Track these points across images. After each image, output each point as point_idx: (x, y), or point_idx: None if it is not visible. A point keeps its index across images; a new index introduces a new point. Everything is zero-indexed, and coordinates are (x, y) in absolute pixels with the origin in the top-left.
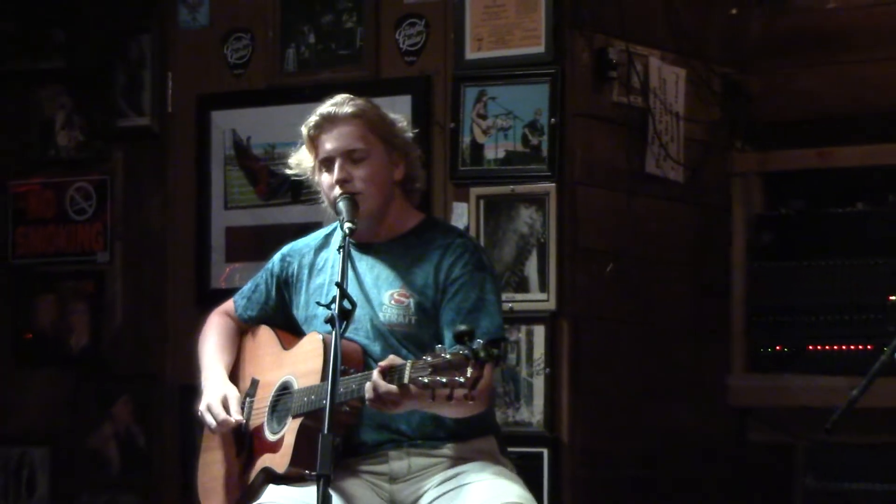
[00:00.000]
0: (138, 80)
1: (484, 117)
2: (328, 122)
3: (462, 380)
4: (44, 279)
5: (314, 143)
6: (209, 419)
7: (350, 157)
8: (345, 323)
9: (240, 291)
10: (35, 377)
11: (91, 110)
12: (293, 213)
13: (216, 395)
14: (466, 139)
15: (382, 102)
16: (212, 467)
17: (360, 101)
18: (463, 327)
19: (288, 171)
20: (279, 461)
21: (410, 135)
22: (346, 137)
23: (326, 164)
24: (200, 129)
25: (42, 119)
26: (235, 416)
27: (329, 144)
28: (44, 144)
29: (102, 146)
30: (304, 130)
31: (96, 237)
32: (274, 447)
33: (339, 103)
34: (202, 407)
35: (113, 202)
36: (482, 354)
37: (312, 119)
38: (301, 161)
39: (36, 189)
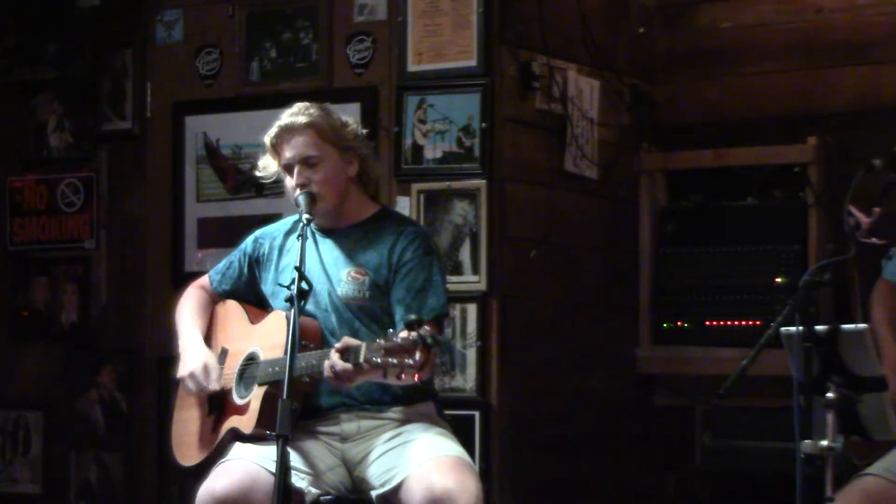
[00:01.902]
0: (121, 89)
1: (424, 122)
2: (285, 132)
3: (411, 362)
4: (38, 264)
5: (276, 151)
6: (191, 385)
7: (307, 162)
8: (303, 302)
9: (214, 268)
10: (30, 350)
11: (79, 115)
12: (257, 206)
13: (198, 363)
14: (408, 141)
15: (335, 109)
16: (185, 423)
17: (313, 110)
18: (413, 316)
19: (256, 174)
20: (246, 423)
21: (361, 133)
22: (301, 146)
23: (287, 169)
24: (175, 132)
25: (36, 123)
26: (214, 385)
27: (288, 153)
28: (38, 145)
29: (89, 147)
30: (266, 140)
31: (84, 227)
32: (241, 410)
33: (294, 113)
34: (184, 373)
35: (99, 196)
36: (429, 340)
37: (272, 130)
38: (267, 165)
39: (31, 184)
